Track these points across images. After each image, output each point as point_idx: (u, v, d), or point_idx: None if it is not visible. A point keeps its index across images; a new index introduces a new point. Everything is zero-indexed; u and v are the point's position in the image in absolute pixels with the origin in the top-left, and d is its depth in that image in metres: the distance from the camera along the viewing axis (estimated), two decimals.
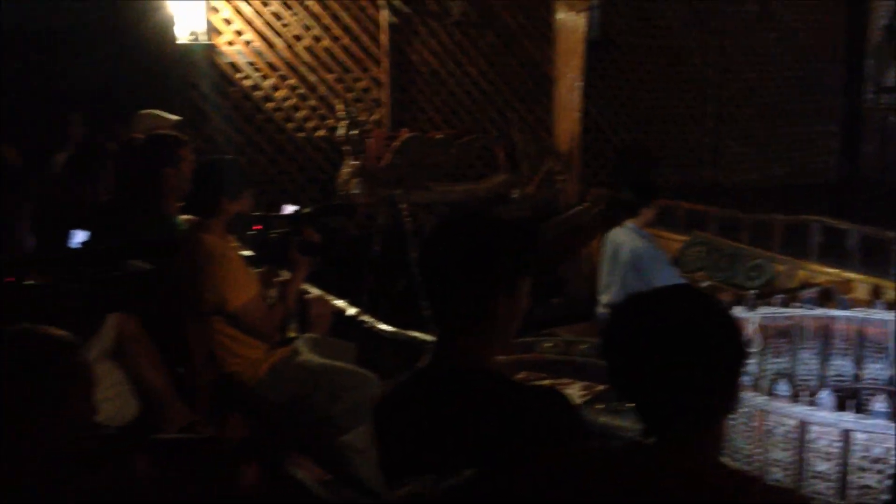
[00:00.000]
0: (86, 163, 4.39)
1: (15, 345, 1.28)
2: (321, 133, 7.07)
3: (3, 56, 5.49)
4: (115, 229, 3.40)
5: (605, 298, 5.12)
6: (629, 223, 4.97)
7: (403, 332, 4.41)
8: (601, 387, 3.43)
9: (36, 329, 1.31)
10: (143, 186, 3.97)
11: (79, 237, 2.78)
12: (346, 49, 7.08)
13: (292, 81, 6.95)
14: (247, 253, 3.71)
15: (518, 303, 1.80)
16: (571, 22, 7.07)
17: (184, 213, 3.98)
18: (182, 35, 6.35)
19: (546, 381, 3.31)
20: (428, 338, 4.28)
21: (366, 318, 4.57)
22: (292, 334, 3.88)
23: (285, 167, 7.04)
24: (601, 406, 3.20)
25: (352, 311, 4.60)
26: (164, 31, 6.31)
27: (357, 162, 6.37)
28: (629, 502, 1.42)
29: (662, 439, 1.51)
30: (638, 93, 8.58)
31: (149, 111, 5.01)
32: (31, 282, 2.18)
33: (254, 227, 3.75)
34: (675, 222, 6.10)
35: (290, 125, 7.01)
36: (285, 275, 3.70)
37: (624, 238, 4.95)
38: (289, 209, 4.15)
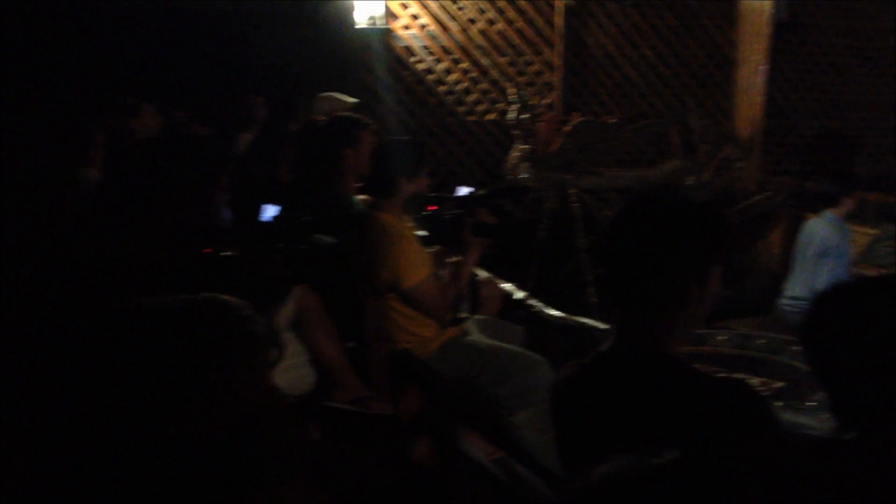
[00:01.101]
0: (269, 143, 4.59)
1: (202, 312, 1.32)
2: (491, 116, 7.08)
3: (195, 36, 5.78)
4: (298, 207, 3.53)
5: (792, 290, 4.91)
6: (828, 213, 4.77)
7: (571, 317, 4.37)
8: (779, 383, 3.28)
9: (222, 298, 1.34)
10: (323, 167, 4.09)
11: (270, 211, 2.91)
12: (519, 32, 7.06)
13: (465, 65, 6.99)
14: (421, 233, 3.77)
15: (708, 288, 1.73)
16: (757, 2, 6.76)
17: (361, 194, 4.08)
18: (361, 20, 6.51)
19: (720, 376, 3.20)
20: (596, 324, 4.23)
21: (534, 301, 4.56)
22: (463, 315, 3.91)
23: (454, 150, 7.10)
24: (780, 403, 3.07)
25: (520, 294, 4.60)
26: (344, 15, 6.49)
27: (527, 146, 6.34)
28: (836, 500, 1.34)
29: (864, 435, 1.42)
30: (826, 77, 8.10)
31: (328, 94, 5.16)
32: (228, 253, 2.28)
33: (428, 208, 3.80)
34: (864, 215, 5.75)
35: (460, 108, 7.06)
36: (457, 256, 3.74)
37: (819, 228, 4.76)
38: (463, 191, 4.18)
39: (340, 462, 2.02)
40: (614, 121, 6.69)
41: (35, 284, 2.17)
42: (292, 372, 3.26)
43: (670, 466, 1.01)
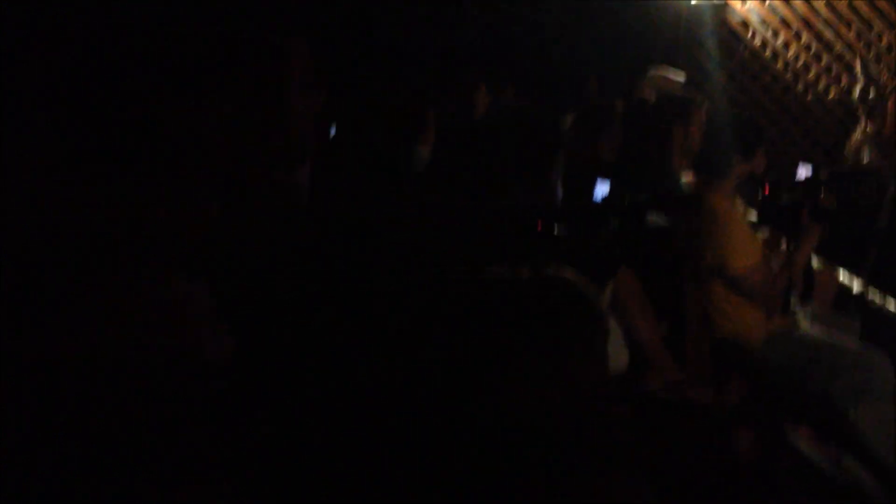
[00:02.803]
0: (593, 122, 4.62)
1: (553, 288, 1.35)
2: (832, 94, 6.61)
3: (525, 14, 5.93)
4: (624, 187, 3.55)
5: None
6: None
7: None
8: None
9: (568, 275, 1.37)
10: (651, 145, 4.06)
11: (602, 190, 2.96)
12: (870, 1, 6.49)
13: (806, 39, 6.57)
14: (753, 216, 3.63)
15: None
16: None
17: (689, 173, 4.00)
18: None
19: None
20: None
21: (871, 293, 4.22)
22: (793, 305, 3.72)
23: (789, 129, 6.71)
24: None
25: (857, 285, 4.29)
26: None
27: (872, 126, 5.84)
28: None
29: None
30: None
31: (658, 72, 5.09)
32: (558, 231, 2.35)
33: (762, 191, 3.64)
34: None
35: (798, 86, 6.65)
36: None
37: None
38: (802, 172, 3.94)
39: (661, 450, 2.02)
40: None
41: (375, 261, 2.35)
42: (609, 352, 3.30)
43: None
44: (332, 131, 3.18)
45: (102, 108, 1.78)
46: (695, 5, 6.37)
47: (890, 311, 4.10)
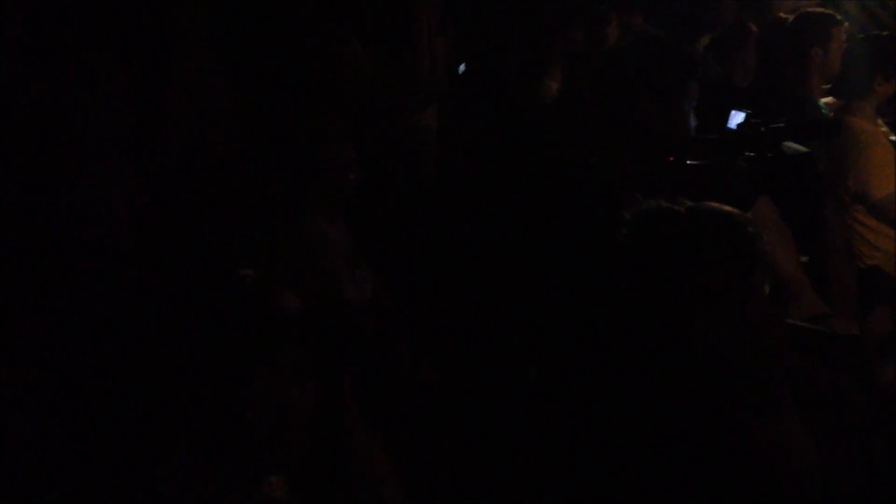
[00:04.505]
0: (728, 45, 4.46)
1: (715, 222, 1.34)
2: None
3: None
4: (761, 113, 3.44)
5: None
6: None
7: None
8: None
9: (729, 210, 1.36)
10: (789, 68, 3.91)
11: (737, 118, 2.88)
12: None
13: None
14: None
15: None
16: None
17: (829, 96, 3.85)
18: None
19: None
20: None
21: None
22: None
23: None
24: None
25: None
26: None
27: None
28: None
29: None
30: None
31: None
32: (695, 161, 2.31)
33: None
34: None
35: None
36: None
37: None
38: None
39: (814, 385, 1.97)
40: None
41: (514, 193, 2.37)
42: None
43: None
44: (462, 69, 3.20)
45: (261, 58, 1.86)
46: None
47: None
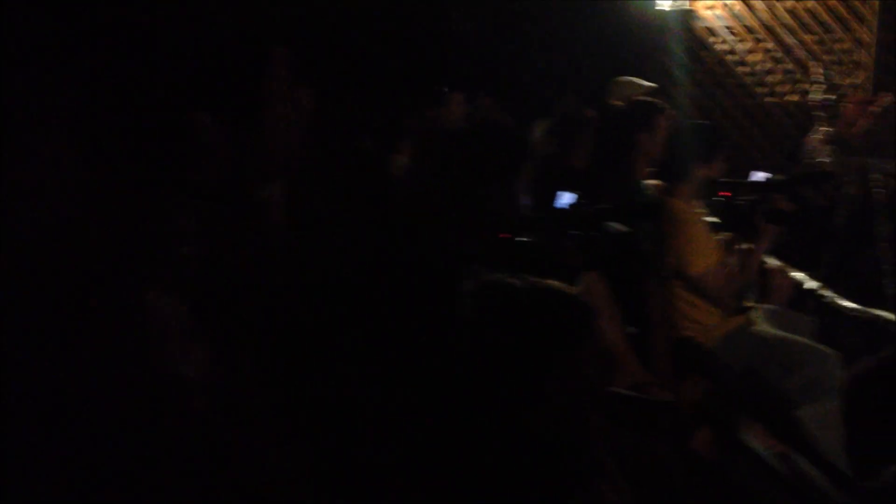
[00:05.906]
0: (566, 130, 4.71)
1: (550, 298, 1.42)
2: (793, 98, 6.80)
3: (492, 23, 6.01)
4: (592, 194, 3.68)
5: None
6: None
7: (868, 310, 4.15)
8: None
9: (558, 285, 1.45)
10: (617, 152, 4.17)
11: (565, 198, 3.08)
12: (830, 10, 6.68)
13: (768, 44, 6.76)
14: (711, 219, 3.77)
15: None
16: None
17: (653, 179, 4.13)
18: (663, 1, 6.49)
19: None
20: (894, 318, 3.98)
21: (826, 292, 4.37)
22: (749, 304, 3.87)
23: (752, 133, 6.90)
24: None
25: (812, 284, 4.43)
26: None
27: (829, 128, 6.02)
28: None
29: None
30: None
31: (626, 78, 5.21)
32: (524, 238, 2.47)
33: (720, 193, 3.78)
34: None
35: (760, 90, 6.84)
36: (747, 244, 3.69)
37: None
38: (758, 176, 4.10)
39: (616, 445, 2.11)
40: None
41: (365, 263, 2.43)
42: None
43: None
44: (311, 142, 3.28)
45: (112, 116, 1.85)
46: (661, 11, 6.51)
47: (844, 308, 4.23)
